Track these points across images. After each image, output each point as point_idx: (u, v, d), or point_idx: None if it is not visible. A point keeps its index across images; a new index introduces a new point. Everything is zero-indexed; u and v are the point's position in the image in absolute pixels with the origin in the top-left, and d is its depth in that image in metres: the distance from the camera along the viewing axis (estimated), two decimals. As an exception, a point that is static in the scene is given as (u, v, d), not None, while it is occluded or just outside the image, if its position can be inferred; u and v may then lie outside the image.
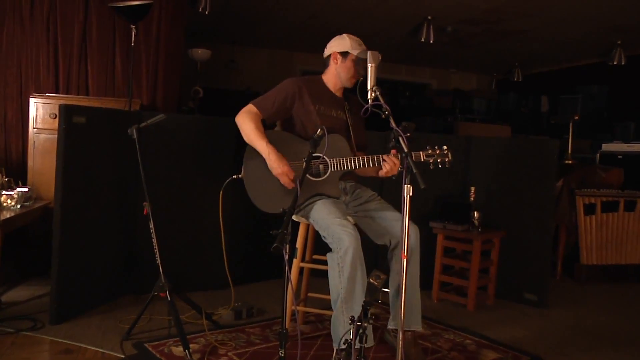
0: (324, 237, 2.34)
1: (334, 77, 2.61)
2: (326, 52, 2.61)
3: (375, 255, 3.59)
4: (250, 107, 2.51)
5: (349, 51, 2.53)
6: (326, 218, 2.31)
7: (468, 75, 9.74)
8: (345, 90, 2.67)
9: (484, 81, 9.76)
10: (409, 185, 1.89)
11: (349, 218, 2.44)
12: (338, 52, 2.56)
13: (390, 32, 6.66)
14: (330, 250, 2.28)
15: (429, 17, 5.87)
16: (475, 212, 3.45)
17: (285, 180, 2.39)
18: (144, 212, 2.62)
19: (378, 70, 2.21)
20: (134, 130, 2.63)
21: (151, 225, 2.61)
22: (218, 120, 3.45)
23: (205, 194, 3.39)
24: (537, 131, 7.81)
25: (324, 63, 2.64)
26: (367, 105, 2.14)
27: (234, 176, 2.53)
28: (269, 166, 2.40)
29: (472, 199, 3.55)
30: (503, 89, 9.20)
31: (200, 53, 6.33)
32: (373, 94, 2.14)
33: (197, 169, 3.40)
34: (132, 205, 3.20)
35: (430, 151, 2.45)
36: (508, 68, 8.42)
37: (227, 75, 8.05)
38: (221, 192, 2.56)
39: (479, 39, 6.85)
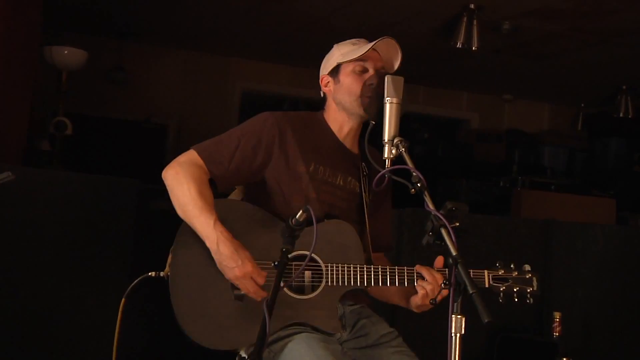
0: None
1: (336, 112, 2.68)
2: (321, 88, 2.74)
3: None
4: (191, 156, 2.51)
5: (340, 62, 2.64)
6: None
7: (535, 106, 10.05)
8: (363, 144, 2.67)
9: (563, 117, 10.05)
10: (460, 317, 1.91)
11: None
12: (327, 74, 2.69)
13: (403, 29, 6.86)
14: None
15: (471, 6, 6.11)
16: (565, 359, 3.50)
17: (249, 288, 2.38)
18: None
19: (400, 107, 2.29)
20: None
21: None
22: (104, 181, 3.48)
23: (80, 311, 3.40)
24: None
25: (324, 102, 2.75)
26: (383, 171, 2.19)
27: (151, 273, 2.49)
28: (218, 264, 2.39)
29: (556, 334, 3.59)
30: (598, 131, 9.37)
31: (67, 55, 6.37)
32: (394, 151, 2.21)
33: (66, 266, 3.41)
34: None
35: (502, 271, 2.50)
36: (607, 95, 8.63)
37: (111, 93, 8.12)
38: (123, 301, 2.50)
39: (559, 44, 7.07)
